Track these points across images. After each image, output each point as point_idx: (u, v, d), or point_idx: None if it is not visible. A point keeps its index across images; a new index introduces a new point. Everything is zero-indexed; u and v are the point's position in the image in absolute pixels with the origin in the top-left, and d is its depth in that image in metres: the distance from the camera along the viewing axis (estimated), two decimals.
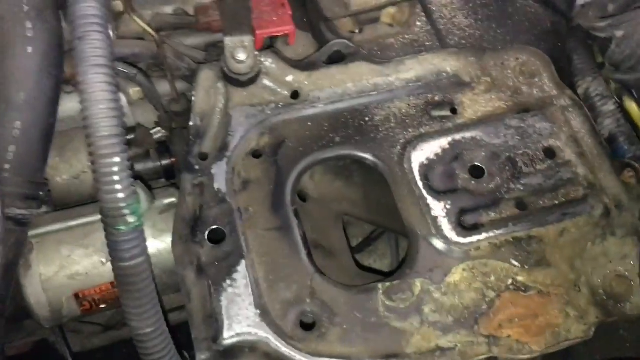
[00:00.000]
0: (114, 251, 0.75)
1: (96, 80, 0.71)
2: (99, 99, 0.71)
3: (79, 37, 0.72)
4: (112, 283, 1.05)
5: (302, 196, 1.13)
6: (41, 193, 0.89)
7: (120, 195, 0.72)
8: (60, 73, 0.92)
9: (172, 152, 1.16)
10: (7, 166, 0.84)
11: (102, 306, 1.08)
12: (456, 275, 0.99)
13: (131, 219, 0.74)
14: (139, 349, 0.80)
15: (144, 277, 0.77)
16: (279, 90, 1.11)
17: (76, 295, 1.04)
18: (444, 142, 1.09)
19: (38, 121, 0.87)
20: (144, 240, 0.77)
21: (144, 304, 0.78)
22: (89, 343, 1.60)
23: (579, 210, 1.05)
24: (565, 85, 1.17)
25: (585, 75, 1.15)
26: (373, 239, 1.54)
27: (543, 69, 1.19)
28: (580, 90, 1.15)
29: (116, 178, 0.72)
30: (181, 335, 0.98)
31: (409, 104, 1.13)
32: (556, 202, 1.05)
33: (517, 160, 1.08)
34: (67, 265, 1.03)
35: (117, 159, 0.72)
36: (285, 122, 1.09)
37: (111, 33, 0.89)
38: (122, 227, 0.73)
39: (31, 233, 1.01)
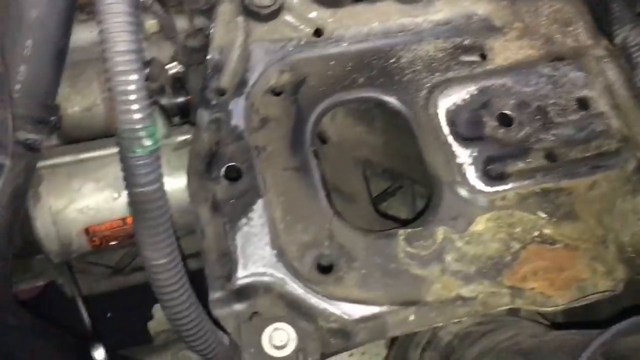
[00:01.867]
0: (129, 175, 0.71)
1: None
2: (117, 11, 0.66)
3: None
4: (123, 219, 1.02)
5: (321, 138, 1.09)
6: (52, 118, 0.85)
7: (137, 115, 0.68)
8: None
9: (187, 89, 1.11)
10: (17, 86, 0.80)
11: (112, 243, 1.05)
12: (480, 224, 0.95)
13: (148, 142, 0.69)
14: (152, 281, 0.77)
15: (160, 205, 0.73)
16: (302, 26, 1.06)
17: (86, 230, 1.01)
18: (472, 87, 1.04)
19: (50, 41, 0.83)
20: (160, 166, 0.73)
21: (159, 232, 0.74)
22: (96, 286, 1.59)
23: (611, 164, 1.01)
24: (602, 34, 1.11)
25: (623, 24, 1.09)
26: (389, 193, 1.50)
27: (578, 17, 1.13)
28: (617, 40, 1.09)
29: (133, 97, 0.68)
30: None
31: (436, 47, 1.08)
32: (587, 154, 1.01)
33: (548, 109, 1.03)
34: (77, 199, 0.99)
35: (134, 76, 0.67)
36: (307, 60, 1.04)
37: None
38: (138, 150, 0.69)
39: (41, 164, 0.98)
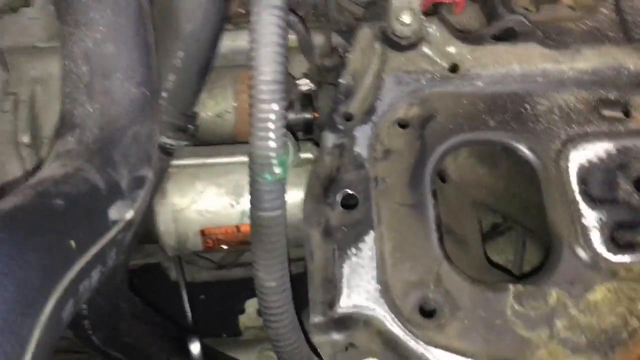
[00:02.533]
0: (255, 199, 0.74)
1: (269, 21, 0.68)
2: (269, 42, 0.69)
3: None
4: (237, 226, 1.06)
5: (441, 176, 1.07)
6: (190, 126, 0.90)
7: (272, 144, 0.70)
8: (225, 10, 0.91)
9: (315, 107, 1.13)
10: (165, 94, 0.85)
11: (223, 246, 1.09)
12: (598, 293, 0.90)
13: (277, 170, 0.72)
14: (259, 300, 0.79)
15: (279, 230, 0.75)
16: (438, 60, 1.04)
17: (202, 232, 1.06)
18: (610, 146, 0.98)
19: (199, 54, 0.87)
20: (284, 193, 0.75)
21: (274, 256, 0.76)
22: (199, 276, 1.67)
23: None
24: None
25: None
26: (498, 233, 1.45)
27: None
28: None
29: (271, 126, 0.70)
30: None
31: (577, 98, 1.02)
32: None
33: None
34: (198, 201, 1.04)
35: (275, 107, 0.70)
36: (438, 95, 1.02)
37: None
38: (268, 177, 0.71)
39: (171, 163, 1.03)
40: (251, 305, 1.83)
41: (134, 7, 0.71)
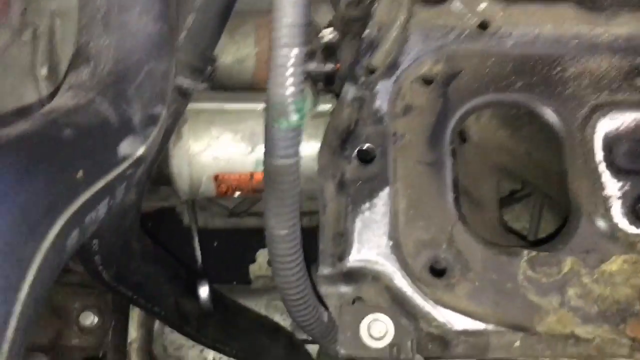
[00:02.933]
0: (270, 145, 0.72)
1: None
2: None
3: None
4: (251, 173, 1.05)
5: (462, 136, 1.04)
6: (209, 68, 0.88)
7: (290, 90, 0.68)
8: None
9: (338, 58, 1.10)
10: (183, 34, 0.83)
11: (237, 193, 1.09)
12: (614, 264, 0.88)
13: (294, 117, 0.70)
14: (269, 249, 0.79)
15: (293, 179, 0.74)
16: (468, 16, 1.00)
17: (216, 177, 1.05)
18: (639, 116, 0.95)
19: None
20: (300, 141, 0.73)
21: (286, 204, 0.75)
22: (212, 222, 1.68)
23: None
24: None
25: None
26: (515, 199, 1.43)
27: None
28: None
29: (290, 72, 0.67)
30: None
31: (610, 64, 0.98)
32: None
33: None
34: (214, 146, 1.03)
35: (295, 51, 0.67)
36: (465, 53, 0.99)
37: None
38: (284, 123, 0.70)
39: (188, 107, 1.02)
40: (262, 254, 1.85)
41: None
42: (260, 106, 1.04)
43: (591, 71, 0.98)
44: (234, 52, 1.07)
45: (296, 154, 0.73)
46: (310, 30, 1.09)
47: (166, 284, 1.12)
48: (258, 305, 1.63)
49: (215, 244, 2.01)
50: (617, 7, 1.01)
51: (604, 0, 1.03)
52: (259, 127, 1.04)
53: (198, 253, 1.26)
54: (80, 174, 0.46)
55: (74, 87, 0.59)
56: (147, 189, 0.95)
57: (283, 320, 1.55)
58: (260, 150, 1.03)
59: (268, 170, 0.74)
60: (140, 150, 0.60)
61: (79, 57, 0.64)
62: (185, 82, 0.85)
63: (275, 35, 0.67)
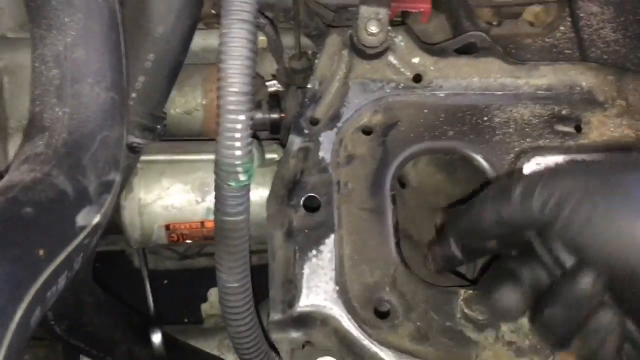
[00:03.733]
0: (219, 204, 0.76)
1: (238, 35, 0.71)
2: (237, 55, 0.71)
3: None
4: (202, 222, 1.09)
5: (401, 182, 1.11)
6: (158, 126, 0.92)
7: (238, 152, 0.73)
8: (198, 13, 0.92)
9: (282, 108, 1.15)
10: (133, 95, 0.86)
11: (188, 241, 1.11)
12: None
13: (243, 177, 0.74)
14: (221, 299, 0.82)
15: (242, 234, 0.78)
16: (403, 70, 1.08)
17: (167, 226, 1.08)
18: (560, 160, 1.03)
19: (170, 56, 0.89)
20: (249, 198, 0.78)
21: (236, 258, 0.79)
22: (162, 265, 1.69)
23: None
24: None
25: None
26: None
27: None
28: None
29: (237, 135, 0.72)
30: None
31: (532, 112, 1.07)
32: None
33: None
34: (164, 197, 1.06)
35: (242, 117, 0.72)
36: (401, 104, 1.06)
37: None
38: (233, 183, 0.74)
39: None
40: (213, 293, 1.86)
41: (106, 11, 0.72)
42: (208, 157, 1.08)
43: (516, 119, 1.06)
44: (183, 104, 1.11)
45: (245, 211, 0.78)
46: (255, 82, 1.15)
47: (118, 333, 1.12)
48: (210, 345, 1.64)
49: (165, 283, 2.01)
50: (537, 60, 1.10)
51: (525, 54, 1.13)
52: (208, 177, 1.07)
53: (150, 299, 1.27)
54: (41, 252, 0.49)
55: (29, 159, 0.62)
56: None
57: (236, 359, 1.57)
58: (210, 199, 1.08)
59: (219, 226, 0.78)
60: (96, 219, 0.63)
61: (33, 128, 0.67)
62: (136, 140, 0.88)
63: (223, 103, 0.72)
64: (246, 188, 0.76)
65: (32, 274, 0.48)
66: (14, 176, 0.59)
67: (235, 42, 0.71)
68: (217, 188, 0.76)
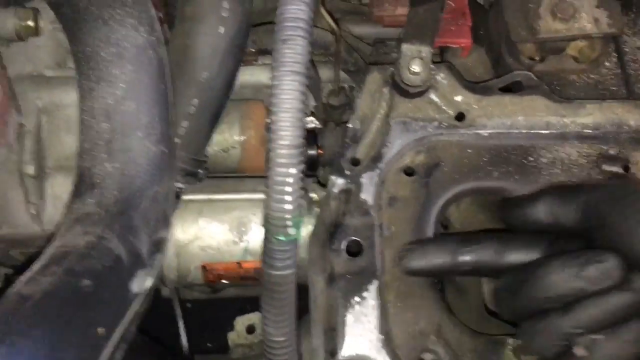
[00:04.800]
0: (268, 258, 0.74)
1: (290, 87, 0.69)
2: (288, 108, 0.69)
3: (283, 39, 0.70)
4: (239, 263, 1.07)
5: (443, 224, 1.08)
6: (200, 171, 0.90)
7: (288, 207, 0.71)
8: (242, 55, 0.91)
9: (320, 145, 1.13)
10: (177, 141, 0.85)
11: (224, 281, 1.10)
12: None
13: (292, 231, 0.72)
14: (266, 352, 0.80)
15: (289, 288, 0.76)
16: (445, 108, 1.05)
17: (204, 267, 1.06)
18: None
19: (213, 101, 0.88)
20: (296, 252, 0.76)
21: (283, 312, 0.77)
22: (190, 294, 1.66)
23: None
24: None
25: None
26: None
27: None
28: None
29: (288, 189, 0.70)
30: None
31: (580, 152, 1.04)
32: None
33: None
34: (202, 237, 1.04)
35: (293, 170, 0.70)
36: (444, 144, 1.03)
37: None
38: (282, 238, 0.72)
39: None
40: (240, 322, 1.83)
41: (155, 62, 0.71)
42: (246, 196, 1.06)
43: (562, 159, 1.03)
44: (220, 142, 1.09)
45: (293, 265, 0.76)
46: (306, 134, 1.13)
47: None
48: None
49: (189, 308, 1.98)
50: (583, 98, 1.07)
51: (570, 91, 1.10)
52: (245, 217, 1.06)
53: (184, 339, 1.25)
54: (100, 331, 0.47)
55: (81, 219, 0.60)
56: None
57: None
58: (247, 239, 1.06)
59: (267, 280, 0.76)
60: (149, 282, 0.61)
61: (83, 184, 0.65)
62: (178, 185, 0.87)
63: (274, 155, 0.71)
64: (295, 242, 0.74)
65: (94, 354, 0.46)
66: (67, 240, 0.57)
67: (286, 94, 0.69)
68: (266, 242, 0.74)
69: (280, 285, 0.75)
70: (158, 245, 0.64)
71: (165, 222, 0.67)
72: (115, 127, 0.67)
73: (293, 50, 0.69)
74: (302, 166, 0.71)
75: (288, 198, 0.71)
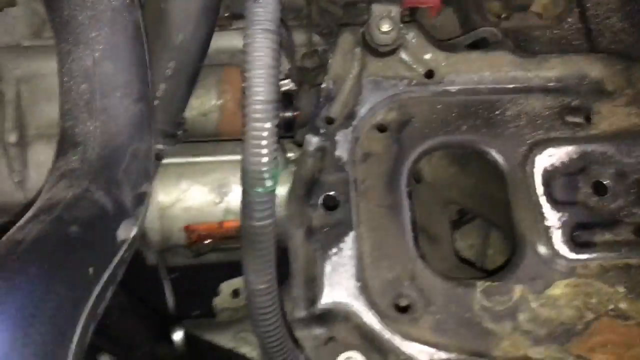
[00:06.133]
0: (247, 209, 0.78)
1: (262, 45, 0.72)
2: (261, 64, 0.72)
3: None
4: (220, 223, 1.10)
5: (415, 177, 1.13)
6: (179, 132, 0.93)
7: (265, 159, 0.74)
8: (216, 17, 0.93)
9: (296, 106, 1.17)
10: (156, 102, 0.88)
11: (207, 241, 1.13)
12: (558, 289, 0.98)
13: (269, 183, 0.76)
14: (249, 302, 0.84)
15: (268, 238, 0.80)
16: (415, 66, 1.09)
17: (186, 228, 1.10)
18: (572, 151, 1.05)
19: (189, 63, 0.90)
20: (275, 203, 0.79)
21: (263, 262, 0.81)
22: (173, 261, 1.70)
23: None
24: None
25: None
26: (463, 222, 1.53)
27: None
28: None
29: (264, 143, 0.74)
30: None
31: (544, 104, 1.09)
32: None
33: None
34: (183, 199, 1.08)
35: (268, 125, 0.74)
36: (415, 101, 1.07)
37: None
38: (260, 189, 0.76)
39: None
40: (225, 287, 1.88)
41: (131, 25, 0.73)
42: (226, 157, 1.09)
43: (527, 112, 1.08)
44: (198, 106, 1.12)
45: (272, 215, 0.79)
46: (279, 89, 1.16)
47: (141, 334, 1.15)
48: (225, 339, 1.66)
49: (174, 276, 2.02)
50: (547, 52, 1.12)
51: (534, 46, 1.14)
52: (225, 178, 1.09)
53: (170, 298, 1.29)
54: (91, 270, 0.51)
55: (66, 174, 0.63)
56: None
57: (252, 351, 1.59)
58: (228, 199, 1.09)
59: (246, 231, 0.80)
60: (134, 231, 0.64)
61: (66, 142, 0.68)
62: (158, 146, 0.90)
63: (249, 111, 0.74)
64: (272, 193, 0.78)
65: (85, 294, 0.50)
66: (53, 193, 0.60)
67: (259, 51, 0.72)
68: (244, 194, 0.78)
69: (259, 235, 0.79)
70: (141, 198, 0.68)
71: (146, 176, 0.70)
72: (94, 87, 0.69)
73: (264, 8, 0.72)
74: (277, 120, 0.75)
75: (264, 151, 0.74)
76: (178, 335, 1.20)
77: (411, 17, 1.20)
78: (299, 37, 1.19)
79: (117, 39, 0.71)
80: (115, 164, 0.66)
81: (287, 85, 1.17)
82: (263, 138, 0.74)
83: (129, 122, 0.70)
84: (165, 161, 1.07)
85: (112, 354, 1.14)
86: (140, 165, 0.70)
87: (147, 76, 0.74)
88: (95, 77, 0.69)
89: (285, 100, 1.18)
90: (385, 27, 1.03)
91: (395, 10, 1.04)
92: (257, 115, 0.73)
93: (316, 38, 1.20)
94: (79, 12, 0.69)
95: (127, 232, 0.63)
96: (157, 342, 1.19)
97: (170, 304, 1.27)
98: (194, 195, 1.08)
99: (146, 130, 0.73)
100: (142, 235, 1.10)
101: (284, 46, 1.16)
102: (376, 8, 1.04)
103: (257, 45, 0.72)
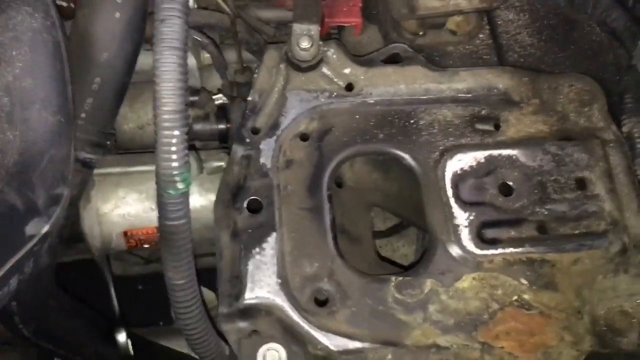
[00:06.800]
0: (161, 210, 0.86)
1: (169, 60, 0.80)
2: (168, 78, 0.81)
3: (161, 19, 0.81)
4: (157, 227, 1.17)
5: (338, 182, 1.21)
6: (108, 142, 1.01)
7: (174, 164, 0.82)
8: (141, 38, 1.02)
9: (229, 119, 1.25)
10: (83, 115, 0.95)
11: (146, 246, 1.21)
12: (465, 282, 1.06)
13: (180, 186, 0.84)
14: (170, 297, 0.92)
15: (184, 236, 0.88)
16: (336, 80, 1.18)
17: (125, 233, 1.17)
18: (480, 155, 1.14)
19: (115, 79, 0.98)
20: (188, 204, 0.87)
21: (180, 258, 0.89)
22: (130, 270, 1.77)
23: (597, 244, 1.09)
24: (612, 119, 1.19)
25: (632, 115, 1.17)
26: (406, 225, 1.62)
27: (595, 99, 1.21)
28: (624, 129, 1.17)
29: (173, 149, 0.82)
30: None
31: (454, 114, 1.18)
32: (576, 231, 1.09)
33: (547, 185, 1.12)
34: (121, 205, 1.15)
35: (176, 132, 0.82)
36: (335, 111, 1.16)
37: (191, 2, 0.98)
38: (172, 192, 0.84)
39: (95, 172, 1.14)
40: None
41: (50, 44, 0.81)
42: None
43: (440, 121, 1.17)
44: (135, 120, 1.20)
45: (185, 215, 0.87)
46: (203, 96, 1.25)
47: (85, 335, 1.21)
48: (181, 344, 1.72)
49: (140, 288, 2.08)
50: (458, 66, 1.21)
51: (447, 61, 1.24)
52: None
53: (114, 301, 1.36)
54: None
55: None
56: (60, 250, 1.06)
57: None
58: None
59: (162, 230, 0.88)
60: (45, 228, 0.72)
61: None
62: (87, 156, 0.97)
63: (159, 120, 0.82)
64: (185, 195, 0.85)
65: None
66: None
67: (165, 66, 0.80)
68: (159, 196, 0.85)
69: (174, 234, 0.87)
70: (56, 200, 0.75)
71: (63, 180, 0.77)
72: (14, 101, 0.77)
73: (170, 28, 0.81)
74: (186, 128, 0.83)
75: (174, 156, 0.82)
76: (121, 337, 1.26)
77: (338, 35, 1.29)
78: (232, 55, 1.28)
79: (36, 58, 0.79)
80: (31, 168, 0.73)
81: (220, 99, 1.26)
82: (172, 144, 0.82)
83: (47, 131, 0.78)
84: (103, 171, 1.15)
85: (59, 355, 1.20)
86: (56, 170, 0.77)
87: (66, 91, 0.82)
88: (15, 92, 0.77)
89: (219, 113, 1.27)
90: (305, 45, 1.12)
91: (314, 29, 1.13)
92: (166, 124, 0.81)
93: (249, 56, 1.29)
94: (1, 34, 0.77)
95: (36, 228, 0.70)
96: (102, 344, 1.25)
97: (115, 306, 1.34)
98: (131, 202, 1.16)
99: (64, 139, 0.80)
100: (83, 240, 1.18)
101: (216, 64, 1.24)
102: (297, 27, 1.13)
103: (165, 61, 0.80)
